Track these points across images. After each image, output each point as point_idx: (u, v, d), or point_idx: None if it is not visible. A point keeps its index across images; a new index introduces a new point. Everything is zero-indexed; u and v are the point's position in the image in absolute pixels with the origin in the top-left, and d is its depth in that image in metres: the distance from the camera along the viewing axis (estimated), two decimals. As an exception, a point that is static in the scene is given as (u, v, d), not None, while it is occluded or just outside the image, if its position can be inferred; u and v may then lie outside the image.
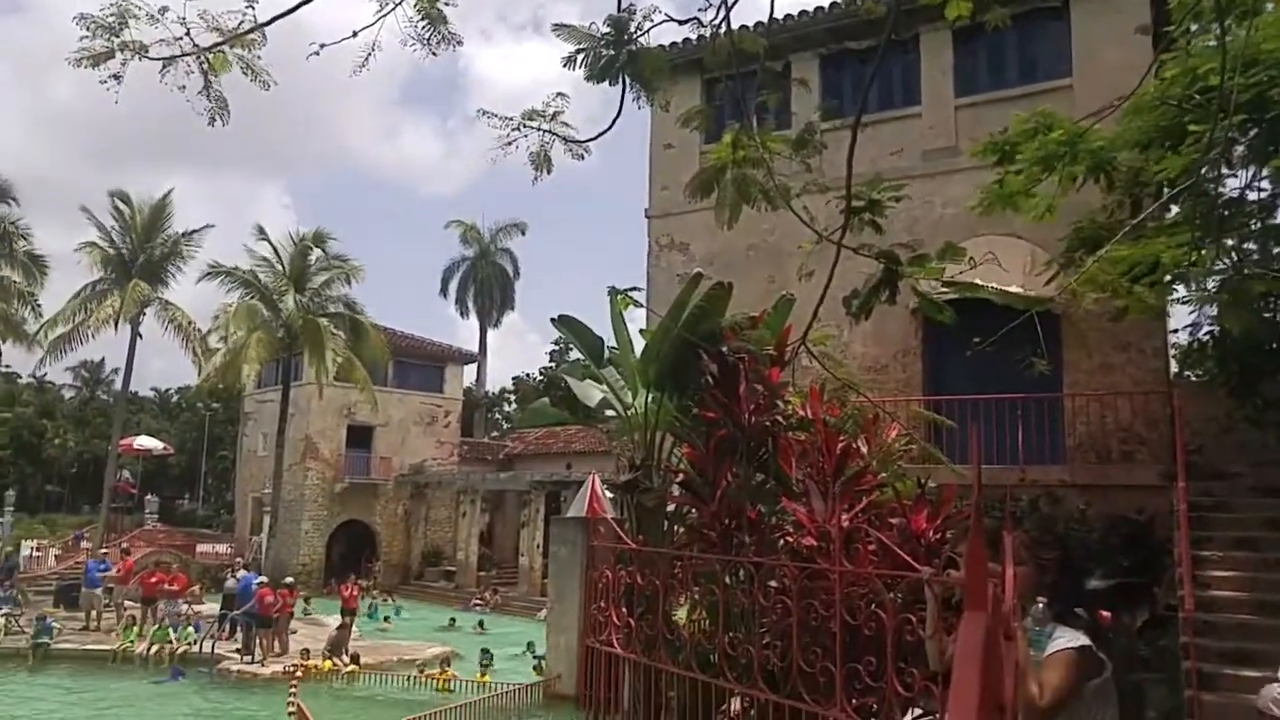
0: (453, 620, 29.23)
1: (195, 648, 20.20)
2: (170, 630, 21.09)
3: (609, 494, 21.65)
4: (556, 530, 16.74)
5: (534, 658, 19.37)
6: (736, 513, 6.57)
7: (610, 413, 8.82)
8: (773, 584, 5.85)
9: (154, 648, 20.54)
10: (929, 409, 11.12)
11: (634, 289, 8.06)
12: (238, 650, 20.06)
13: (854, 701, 5.05)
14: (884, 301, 6.56)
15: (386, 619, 29.31)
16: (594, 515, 17.79)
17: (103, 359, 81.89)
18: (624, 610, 7.02)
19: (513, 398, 68.27)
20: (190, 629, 21.21)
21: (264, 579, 21.34)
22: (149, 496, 49.19)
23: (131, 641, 20.86)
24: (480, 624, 29.10)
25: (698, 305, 7.33)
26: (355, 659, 19.28)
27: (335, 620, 23.22)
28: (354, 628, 22.94)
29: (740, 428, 6.65)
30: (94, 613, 23.27)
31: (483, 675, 18.40)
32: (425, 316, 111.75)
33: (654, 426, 8.04)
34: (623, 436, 8.96)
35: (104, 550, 27.05)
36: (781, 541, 6.35)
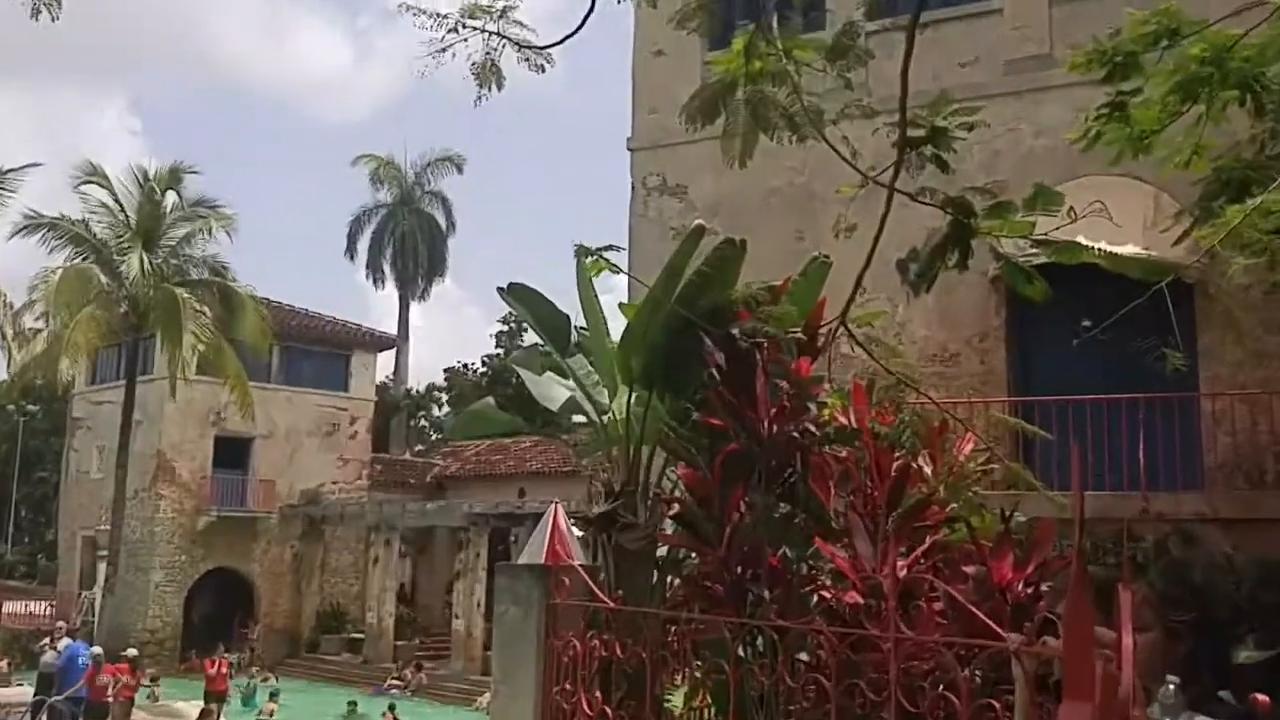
0: (353, 705, 29.21)
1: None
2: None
3: (577, 532, 21.70)
4: (505, 582, 16.78)
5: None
6: (752, 558, 6.56)
7: (579, 419, 8.81)
8: (803, 657, 5.85)
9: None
10: (1015, 414, 11.14)
11: (611, 248, 8.02)
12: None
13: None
14: (952, 267, 6.56)
15: (272, 698, 29.28)
16: (556, 562, 17.83)
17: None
18: (599, 695, 7.00)
19: (444, 397, 68.31)
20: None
21: (97, 651, 21.28)
22: (-63, 535, 48.97)
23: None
24: (391, 709, 29.12)
25: (699, 271, 7.30)
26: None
27: (196, 708, 23.22)
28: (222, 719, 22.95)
29: (757, 440, 6.64)
30: None
31: None
32: (325, 286, 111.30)
33: (639, 438, 8.03)
34: (596, 452, 8.96)
35: None
36: (815, 598, 6.35)
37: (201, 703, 22.86)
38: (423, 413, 68.57)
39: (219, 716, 22.32)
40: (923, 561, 6.08)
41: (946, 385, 12.58)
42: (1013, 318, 13.32)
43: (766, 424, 6.68)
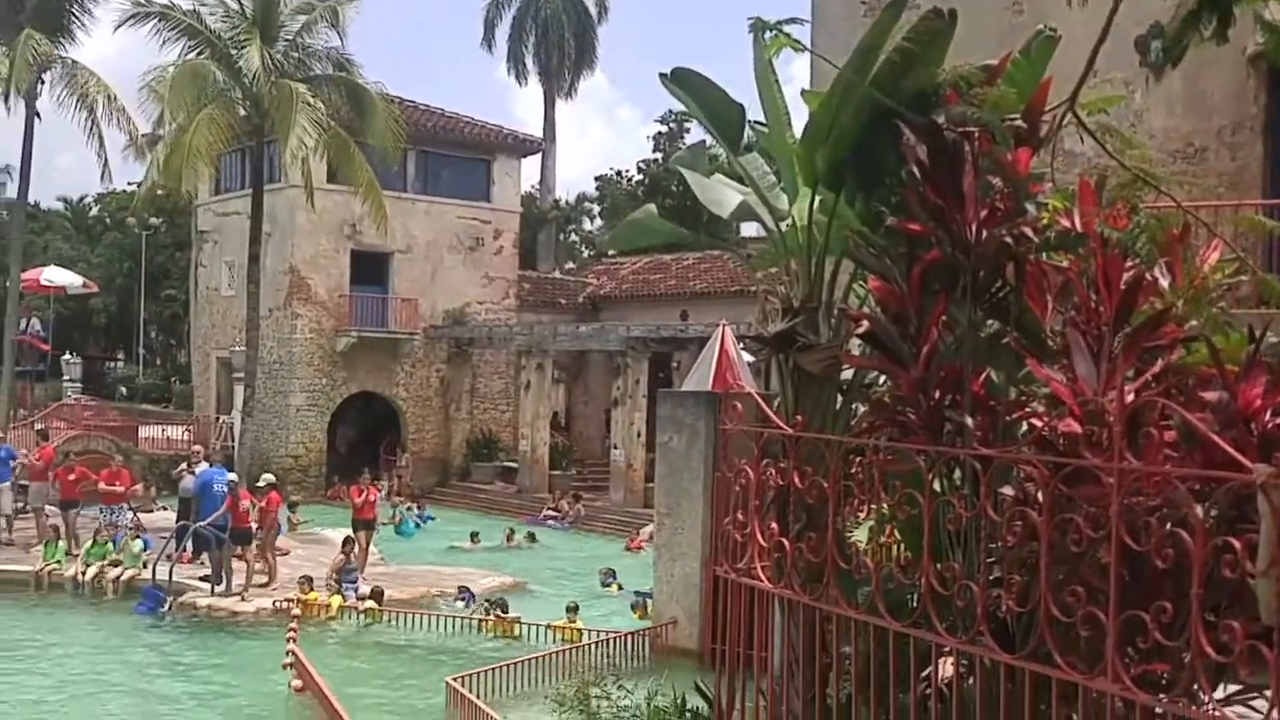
0: (475, 535, 30.61)
1: (145, 572, 21.72)
2: (110, 545, 22.72)
3: (748, 356, 21.95)
4: (668, 410, 17.30)
5: (636, 595, 20.21)
6: (953, 381, 6.53)
7: (752, 228, 8.79)
8: (1008, 490, 5.87)
9: (90, 571, 22.19)
10: (1272, 219, 10.71)
11: (793, 21, 7.85)
12: (205, 577, 21.49)
13: (1134, 668, 5.11)
14: (1207, 39, 6.24)
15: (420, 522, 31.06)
16: (726, 387, 18.15)
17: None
18: (774, 526, 7.17)
19: (596, 209, 68.73)
20: (138, 544, 22.75)
21: (233, 477, 22.55)
22: (67, 356, 52.31)
23: (59, 562, 22.56)
24: (530, 537, 30.41)
25: (899, 48, 7.08)
26: (377, 594, 20.46)
27: (344, 535, 24.56)
28: (372, 547, 24.28)
29: (964, 247, 6.52)
30: (2, 520, 25.17)
31: (505, 624, 19.16)
32: (461, 84, 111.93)
33: (823, 247, 7.99)
34: (772, 265, 8.94)
35: (10, 431, 28.97)
36: (1025, 426, 6.31)
37: (349, 530, 24.16)
38: (572, 226, 69.23)
39: (367, 545, 23.58)
40: (1154, 385, 5.96)
41: (1192, 184, 12.13)
42: (1275, 105, 12.75)
43: (975, 228, 6.52)
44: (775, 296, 8.31)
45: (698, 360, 21.51)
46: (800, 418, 7.35)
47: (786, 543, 6.96)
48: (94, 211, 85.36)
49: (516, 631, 19.06)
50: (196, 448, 29.97)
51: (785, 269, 8.39)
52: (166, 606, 20.63)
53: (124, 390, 66.90)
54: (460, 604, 20.65)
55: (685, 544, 16.28)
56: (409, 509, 35.25)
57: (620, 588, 23.32)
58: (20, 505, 25.66)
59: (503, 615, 19.33)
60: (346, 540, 22.35)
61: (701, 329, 31.45)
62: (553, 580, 25.08)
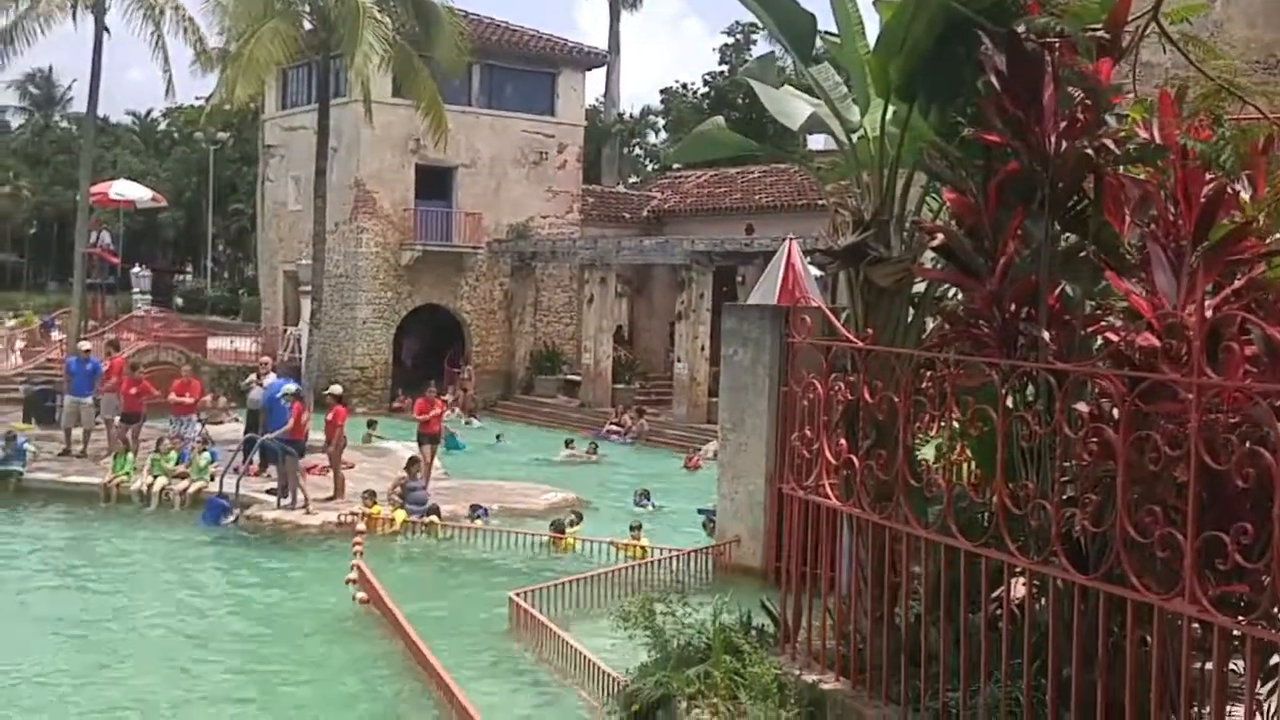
0: (499, 437, 31.07)
1: (213, 485, 22.02)
2: (173, 456, 22.99)
3: (816, 270, 21.81)
4: (733, 323, 17.25)
5: (700, 513, 20.28)
6: (1028, 295, 6.42)
7: (822, 140, 8.67)
8: (1083, 407, 5.78)
9: (157, 483, 22.51)
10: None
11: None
12: (271, 490, 21.79)
13: (1212, 590, 5.03)
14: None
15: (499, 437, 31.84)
16: (792, 302, 18.04)
17: (51, 69, 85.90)
18: (843, 442, 7.13)
19: (661, 122, 68.20)
20: (205, 457, 23.02)
21: (290, 387, 22.69)
22: (137, 269, 52.93)
23: (127, 474, 22.93)
24: (593, 448, 30.62)
25: (975, -44, 6.91)
26: (433, 509, 20.69)
27: (409, 450, 24.82)
28: (435, 461, 24.50)
29: (1042, 159, 6.37)
30: (78, 432, 25.52)
31: (563, 539, 19.22)
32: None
33: (895, 160, 7.87)
34: (843, 178, 8.84)
35: (84, 343, 29.36)
36: (1100, 341, 6.21)
37: (414, 444, 24.35)
38: (636, 140, 68.84)
39: (431, 460, 23.78)
40: (1234, 300, 5.83)
41: (1273, 96, 11.79)
42: (1362, 13, 12.33)
43: (1054, 140, 6.37)
44: (845, 210, 8.22)
45: (763, 274, 21.37)
46: (870, 331, 7.27)
47: (855, 460, 6.92)
48: (162, 126, 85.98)
49: (572, 547, 19.21)
50: (264, 359, 30.32)
51: (856, 182, 8.28)
52: (232, 518, 20.91)
53: (180, 301, 67.66)
54: (479, 522, 20.67)
55: (749, 461, 16.29)
56: (467, 422, 35.55)
57: (656, 508, 23.42)
58: (95, 418, 26.01)
59: (559, 534, 19.46)
60: (412, 460, 22.46)
61: (767, 243, 31.26)
62: (616, 497, 25.22)
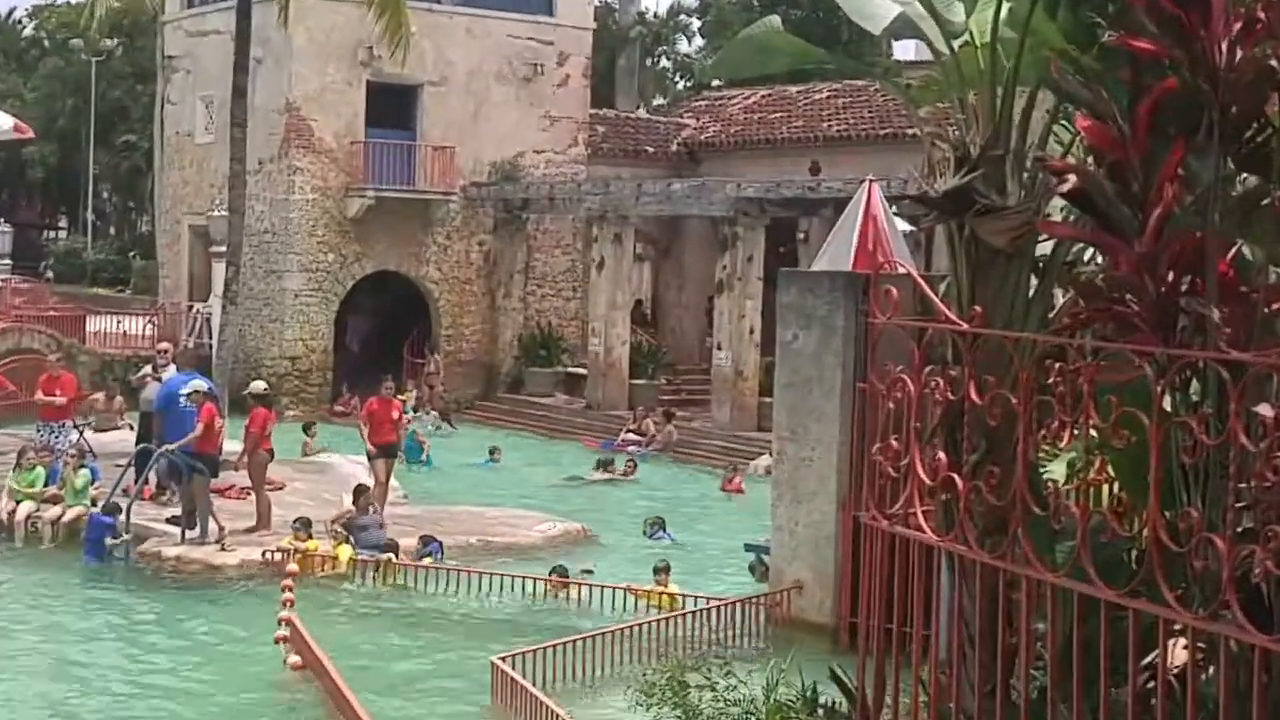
0: (493, 452, 31.65)
1: (95, 510, 22.03)
2: (45, 477, 23.00)
3: (904, 224, 21.69)
4: (793, 297, 17.21)
5: (749, 550, 20.30)
6: (1191, 258, 6.40)
7: (913, 48, 8.64)
8: (1267, 409, 5.75)
9: (21, 509, 22.51)
10: None
11: None
12: (174, 519, 21.85)
13: None
14: None
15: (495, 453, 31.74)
16: (874, 267, 17.96)
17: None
18: (941, 457, 7.10)
19: (697, 24, 68.16)
20: (83, 476, 23.02)
21: (197, 385, 22.70)
22: (-6, 223, 52.99)
23: (-15, 496, 22.94)
24: (631, 465, 30.97)
25: None
26: (393, 548, 20.73)
27: (354, 464, 24.82)
28: (392, 480, 24.51)
29: (1210, 73, 6.35)
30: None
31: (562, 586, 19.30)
32: None
33: (1011, 75, 7.87)
34: (941, 100, 8.85)
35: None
36: (1289, 322, 6.19)
37: (363, 458, 24.33)
38: (663, 49, 68.77)
39: (387, 478, 23.73)
40: None
41: None
42: None
43: (1226, 48, 6.37)
44: (944, 142, 8.22)
45: (834, 230, 21.31)
46: (978, 308, 7.25)
47: (958, 479, 6.90)
48: (27, 31, 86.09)
49: (576, 595, 19.26)
50: (163, 346, 30.33)
51: (959, 105, 8.29)
52: (123, 552, 20.95)
53: (50, 268, 67.70)
54: (428, 559, 20.67)
55: (814, 480, 16.28)
56: (438, 428, 35.61)
57: (674, 542, 23.43)
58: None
59: (562, 579, 19.49)
60: (359, 490, 22.31)
61: (838, 187, 31.15)
62: (630, 527, 25.25)
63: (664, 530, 23.99)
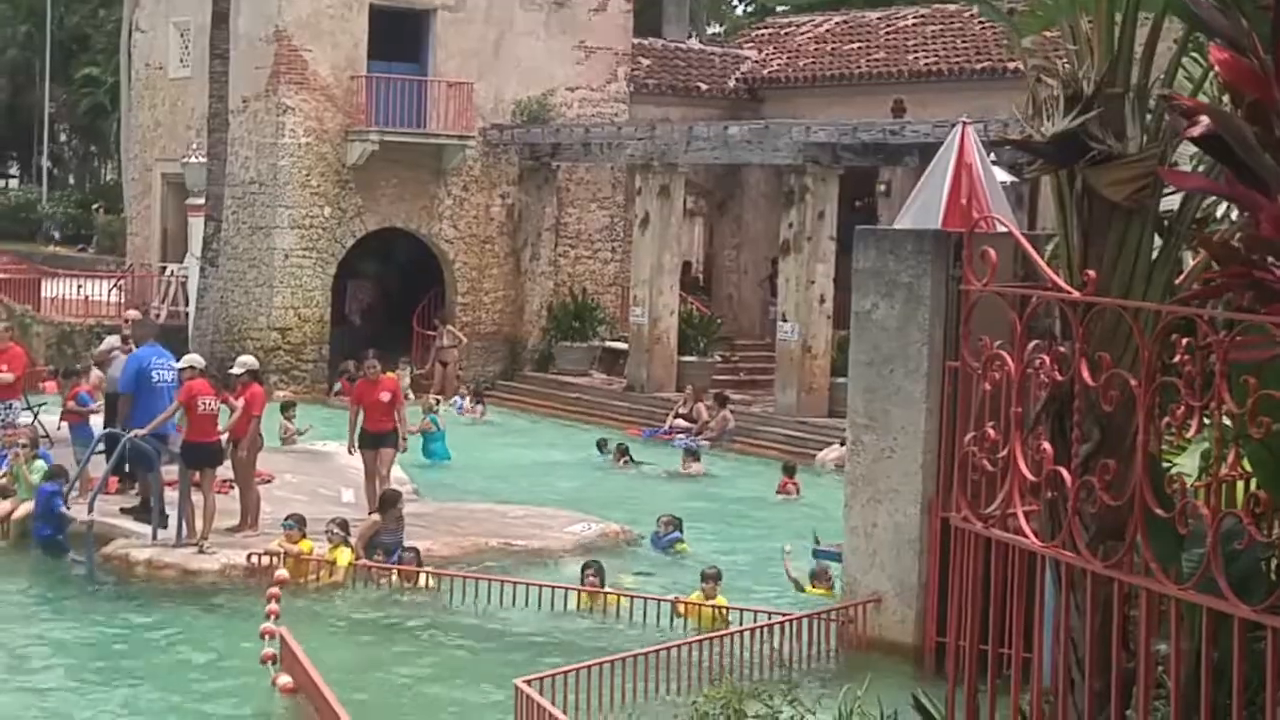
0: (612, 444, 31.47)
1: (58, 507, 22.16)
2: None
3: (1004, 175, 21.51)
4: (873, 260, 17.13)
5: (815, 555, 20.27)
6: (1347, 216, 6.39)
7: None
8: None
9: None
10: None
11: None
12: (140, 514, 22.03)
13: None
14: None
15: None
16: (969, 224, 17.90)
17: None
18: (1046, 448, 7.10)
19: (758, -62, 68.02)
20: (37, 467, 23.13)
21: (190, 360, 22.79)
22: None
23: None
24: (623, 452, 31.00)
25: None
26: (415, 554, 20.73)
27: (350, 455, 24.82)
28: (399, 473, 24.43)
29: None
30: None
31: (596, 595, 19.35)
32: None
33: (1131, 4, 7.83)
34: (1048, 27, 8.90)
35: None
36: None
37: (355, 447, 24.24)
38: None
39: (387, 472, 23.65)
40: None
41: None
42: None
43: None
44: (1052, 77, 8.19)
45: (920, 181, 21.23)
46: (1091, 273, 7.23)
47: (1066, 474, 6.89)
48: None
49: (611, 604, 19.29)
50: (131, 314, 30.43)
51: (1069, 32, 8.28)
52: (85, 558, 21.03)
53: None
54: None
55: (896, 475, 16.25)
56: (452, 406, 35.58)
57: (675, 547, 23.25)
58: None
59: (595, 579, 19.54)
60: (388, 499, 21.99)
61: (926, 130, 31.08)
62: (700, 530, 25.09)
63: (679, 530, 23.49)
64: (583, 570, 20.00)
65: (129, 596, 20.21)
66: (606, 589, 19.52)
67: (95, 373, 27.08)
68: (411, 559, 20.61)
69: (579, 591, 19.57)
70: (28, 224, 68.11)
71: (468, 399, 37.92)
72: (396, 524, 21.47)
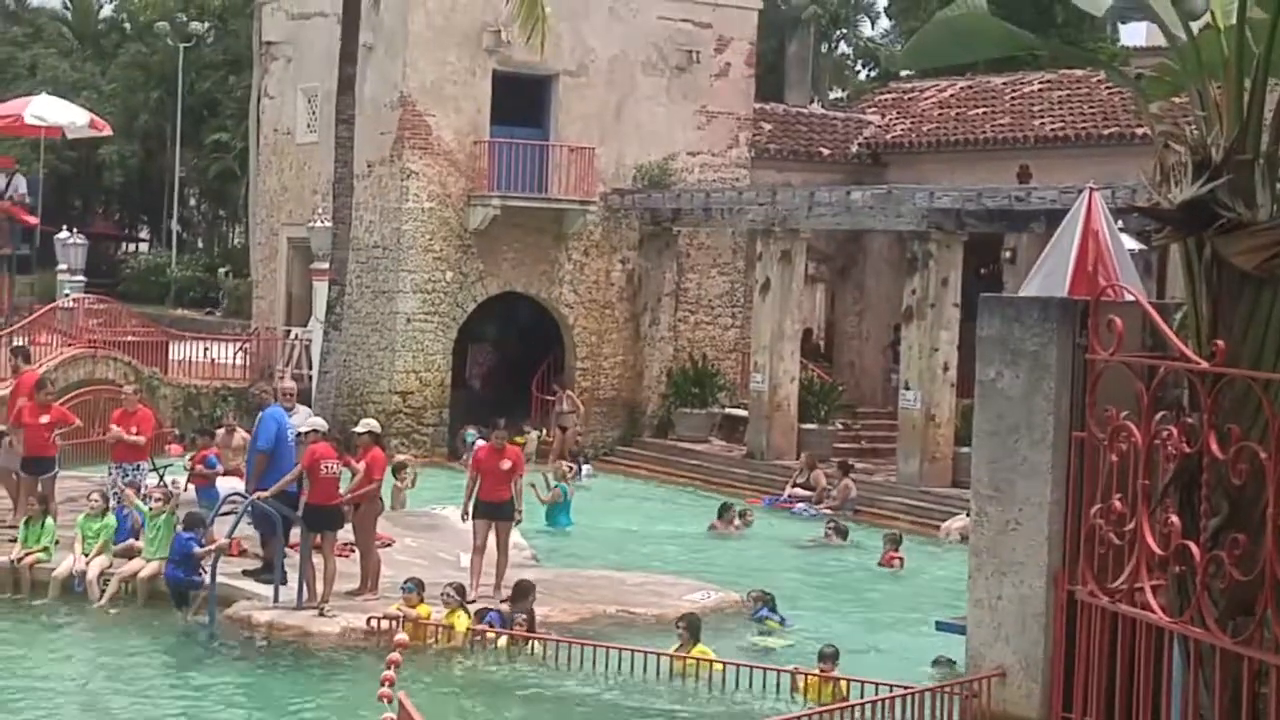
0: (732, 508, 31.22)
1: (184, 570, 22.34)
2: (111, 520, 23.29)
3: (1132, 242, 21.33)
4: (997, 327, 16.94)
5: (938, 628, 20.13)
6: None
7: (1143, 32, 8.60)
8: None
9: (94, 565, 22.81)
10: None
11: None
12: (261, 576, 22.24)
13: None
14: None
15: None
16: (1095, 292, 17.78)
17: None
18: (1174, 520, 7.03)
19: (882, 3, 68.07)
20: (156, 524, 23.23)
21: (313, 426, 22.95)
22: (64, 234, 54.15)
23: (45, 550, 23.29)
24: (739, 514, 31.15)
25: None
26: (530, 616, 20.76)
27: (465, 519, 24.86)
28: (518, 538, 24.44)
29: None
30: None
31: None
32: None
33: (1264, 63, 7.78)
34: (1177, 93, 8.80)
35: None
36: None
37: (469, 515, 24.23)
38: (842, 32, 68.79)
39: (506, 541, 23.50)
40: None
41: None
42: None
43: None
44: (1180, 144, 8.15)
45: (1047, 248, 21.06)
46: (1221, 343, 7.17)
47: (1194, 548, 6.82)
48: (106, 12, 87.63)
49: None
50: (287, 384, 30.56)
51: (1198, 98, 8.23)
52: (201, 614, 21.26)
53: (128, 285, 68.38)
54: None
55: (1021, 547, 16.02)
56: (569, 474, 35.54)
57: (781, 622, 22.99)
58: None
59: (686, 636, 19.66)
60: (520, 590, 21.37)
61: (1053, 196, 30.95)
62: (796, 600, 25.02)
63: (772, 609, 23.27)
64: (675, 623, 20.03)
65: (250, 658, 20.34)
66: (725, 660, 19.47)
67: (239, 434, 27.39)
68: (525, 624, 20.63)
69: (690, 660, 19.52)
70: (157, 287, 68.82)
71: (588, 465, 37.94)
72: (527, 616, 21.06)
